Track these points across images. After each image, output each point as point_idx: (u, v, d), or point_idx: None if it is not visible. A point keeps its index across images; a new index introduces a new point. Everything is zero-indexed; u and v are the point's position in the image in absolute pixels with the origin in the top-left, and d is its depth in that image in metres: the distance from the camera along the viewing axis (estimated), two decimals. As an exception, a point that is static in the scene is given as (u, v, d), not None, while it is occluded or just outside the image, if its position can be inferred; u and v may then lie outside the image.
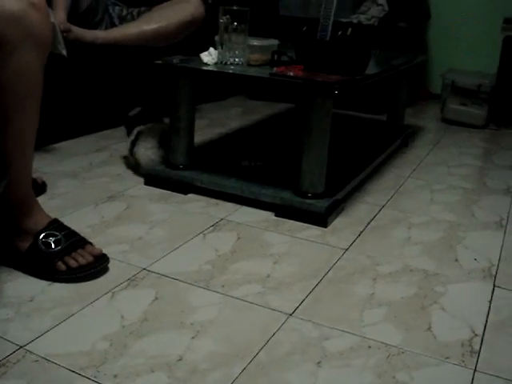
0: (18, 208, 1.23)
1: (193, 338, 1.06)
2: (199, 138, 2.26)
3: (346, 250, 1.45)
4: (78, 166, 1.93)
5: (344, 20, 2.14)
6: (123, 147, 2.14)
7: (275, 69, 1.62)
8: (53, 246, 1.23)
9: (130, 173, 1.90)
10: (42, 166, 1.89)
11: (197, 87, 1.71)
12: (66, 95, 2.14)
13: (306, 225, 1.57)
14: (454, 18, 3.39)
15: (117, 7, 2.34)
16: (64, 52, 1.79)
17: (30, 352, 0.99)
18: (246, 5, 1.69)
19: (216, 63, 1.68)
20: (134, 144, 1.86)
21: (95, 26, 2.22)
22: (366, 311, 1.19)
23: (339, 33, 1.61)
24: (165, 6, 2.26)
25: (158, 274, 1.28)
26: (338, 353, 1.05)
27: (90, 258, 1.25)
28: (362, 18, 3.16)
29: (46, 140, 2.08)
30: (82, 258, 1.24)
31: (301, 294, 1.23)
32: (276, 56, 1.72)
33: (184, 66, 1.65)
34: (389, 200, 1.81)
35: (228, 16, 1.62)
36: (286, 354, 1.03)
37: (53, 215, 1.31)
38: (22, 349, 1.00)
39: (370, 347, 1.07)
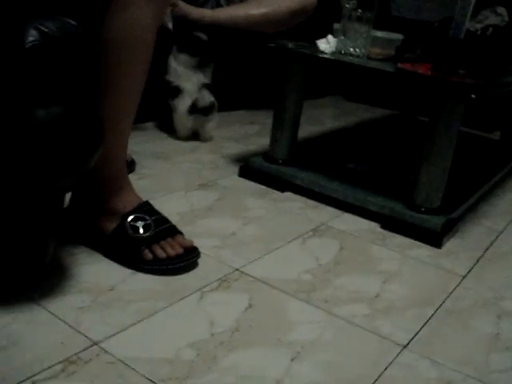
0: (107, 184, 1.10)
1: (292, 360, 0.90)
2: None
3: (464, 277, 1.26)
4: (169, 149, 1.82)
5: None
6: (219, 133, 2.04)
7: (399, 64, 1.45)
8: (141, 231, 1.10)
9: (223, 161, 1.77)
10: (131, 144, 1.77)
11: (309, 77, 1.55)
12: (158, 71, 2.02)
13: (416, 242, 1.39)
14: None
15: (225, -12, 2.22)
16: (170, 25, 1.68)
17: (105, 351, 0.86)
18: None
19: (334, 52, 1.52)
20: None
21: (201, 6, 2.10)
22: (491, 354, 1.00)
23: (478, 32, 1.42)
24: (277, -9, 2.12)
25: (253, 277, 1.13)
26: (465, 403, 0.87)
27: (180, 250, 1.11)
28: (478, 26, 2.94)
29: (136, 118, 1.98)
30: (171, 249, 1.10)
31: (415, 323, 1.05)
32: (400, 51, 1.54)
33: (300, 51, 1.49)
34: (507, 226, 1.60)
35: (354, 1, 1.46)
36: (403, 396, 0.86)
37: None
38: (96, 346, 0.87)
39: (501, 401, 0.89)
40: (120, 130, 1.07)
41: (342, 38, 1.48)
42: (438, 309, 1.11)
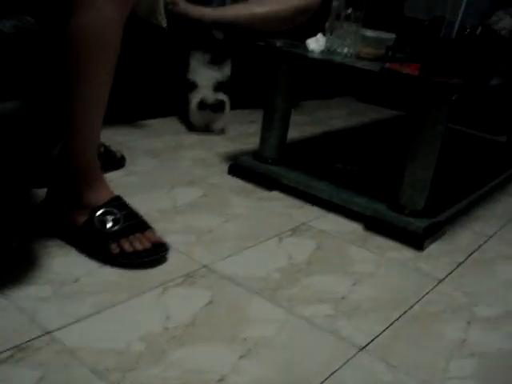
0: (78, 178, 1.12)
1: (241, 357, 0.90)
2: (296, 134, 2.11)
3: (441, 281, 1.24)
4: (163, 146, 1.83)
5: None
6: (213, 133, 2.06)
7: (387, 64, 1.43)
8: (109, 225, 1.11)
9: (215, 159, 1.78)
10: (126, 140, 1.81)
11: (298, 76, 1.55)
12: (165, 68, 2.04)
13: (398, 244, 1.37)
14: None
15: (230, -14, 2.22)
16: (164, 23, 1.69)
17: (56, 340, 0.87)
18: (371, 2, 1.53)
19: (323, 51, 1.51)
20: None
21: (205, 4, 2.11)
22: (453, 360, 0.98)
23: (467, 31, 1.40)
24: (280, -11, 2.11)
25: (220, 274, 1.13)
26: (412, 407, 0.86)
27: (148, 245, 1.12)
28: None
29: (135, 115, 2.00)
30: (138, 243, 1.11)
31: (378, 326, 1.04)
32: (390, 51, 1.52)
33: (287, 50, 1.49)
34: (498, 230, 1.57)
35: (342, 0, 1.45)
36: (348, 398, 0.86)
37: (124, 193, 1.19)
38: (48, 335, 0.88)
39: (452, 407, 0.87)
40: (88, 124, 1.08)
41: (330, 36, 1.48)
42: (405, 312, 1.10)
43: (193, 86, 1.98)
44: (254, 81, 2.36)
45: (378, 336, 1.01)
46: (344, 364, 0.92)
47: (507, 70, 1.57)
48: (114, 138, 1.79)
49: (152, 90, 2.02)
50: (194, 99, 1.98)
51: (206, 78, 1.97)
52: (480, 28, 1.39)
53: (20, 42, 0.85)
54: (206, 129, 2.04)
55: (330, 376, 0.89)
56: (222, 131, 2.07)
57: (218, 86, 1.98)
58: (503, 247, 1.46)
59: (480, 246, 1.44)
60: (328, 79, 2.77)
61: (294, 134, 2.07)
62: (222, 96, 1.98)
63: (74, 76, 1.01)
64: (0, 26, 0.84)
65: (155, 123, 2.06)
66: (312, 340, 0.97)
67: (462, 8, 1.44)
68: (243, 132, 2.10)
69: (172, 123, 2.09)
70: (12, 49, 0.84)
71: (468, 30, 1.39)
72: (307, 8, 2.08)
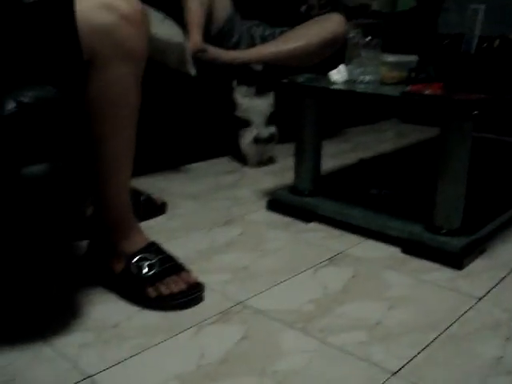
0: (113, 229, 1.18)
1: (271, 389, 0.92)
2: (338, 161, 2.14)
3: (480, 299, 1.22)
4: (205, 188, 1.89)
5: None
6: (254, 169, 2.11)
7: (410, 87, 1.44)
8: (145, 270, 1.16)
9: (254, 196, 1.82)
10: (169, 186, 1.88)
11: (324, 108, 1.58)
12: (200, 114, 2.12)
13: (436, 265, 1.36)
14: None
15: (260, 27, 2.29)
16: (192, 72, 1.76)
17: (96, 384, 0.93)
18: (403, 21, 1.55)
19: (345, 82, 1.54)
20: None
21: (234, 47, 2.19)
22: (489, 378, 0.97)
23: (484, 45, 1.40)
24: (306, 25, 2.16)
25: (254, 309, 1.16)
26: (444, 430, 0.85)
27: (183, 286, 1.17)
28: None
29: (179, 160, 2.08)
30: (174, 286, 1.16)
31: (412, 350, 1.04)
32: (414, 73, 1.53)
33: (309, 84, 1.53)
34: (545, 242, 1.53)
35: (358, 30, 1.48)
36: (377, 424, 0.86)
37: (164, 237, 1.26)
38: (88, 379, 0.94)
39: (487, 428, 0.86)
40: (114, 181, 1.14)
41: (350, 66, 1.51)
42: (440, 334, 1.09)
43: (246, 124, 2.09)
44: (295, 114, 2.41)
45: (411, 360, 1.01)
46: (375, 390, 0.93)
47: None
48: (156, 184, 1.87)
49: (191, 136, 2.10)
50: (248, 135, 2.08)
51: (256, 112, 2.07)
52: (498, 40, 1.39)
53: (42, 111, 0.93)
54: (260, 160, 2.14)
55: (360, 403, 0.90)
56: (271, 160, 2.18)
57: (269, 118, 2.08)
58: (549, 259, 1.42)
59: (524, 260, 1.41)
60: (349, 103, 2.78)
61: (336, 162, 2.11)
62: (272, 129, 2.09)
63: (95, 137, 1.08)
64: (23, 97, 0.92)
65: (196, 167, 2.13)
66: (343, 368, 0.98)
67: (479, 21, 1.45)
68: (283, 166, 2.13)
69: (212, 165, 2.16)
70: (34, 118, 0.92)
71: (486, 43, 1.39)
72: (335, 40, 2.11)
